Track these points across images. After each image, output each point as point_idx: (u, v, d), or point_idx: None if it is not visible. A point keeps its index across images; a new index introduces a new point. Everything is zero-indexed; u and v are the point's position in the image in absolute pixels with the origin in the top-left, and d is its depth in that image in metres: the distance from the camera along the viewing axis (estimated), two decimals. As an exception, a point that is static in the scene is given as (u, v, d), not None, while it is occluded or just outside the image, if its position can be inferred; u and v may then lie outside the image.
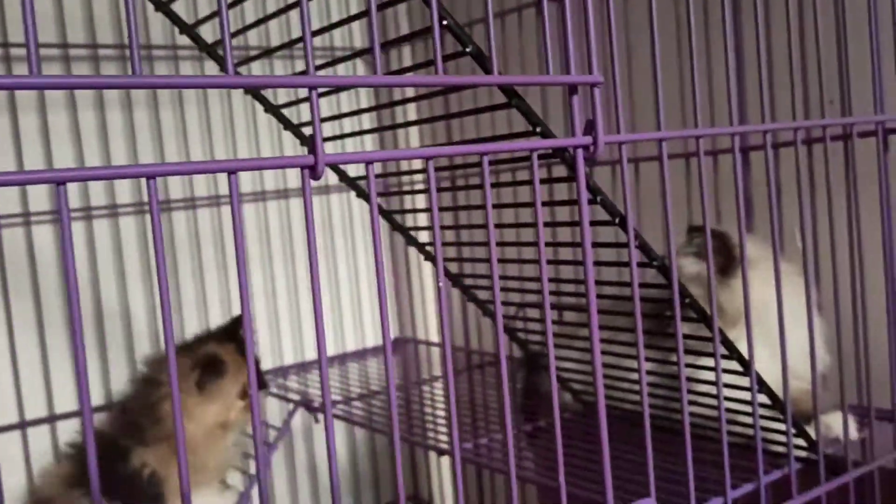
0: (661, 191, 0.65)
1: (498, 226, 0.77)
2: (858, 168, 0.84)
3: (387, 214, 0.90)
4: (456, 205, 0.95)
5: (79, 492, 0.96)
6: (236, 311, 1.47)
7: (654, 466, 0.84)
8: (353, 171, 0.90)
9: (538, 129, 0.60)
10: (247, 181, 1.55)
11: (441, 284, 0.54)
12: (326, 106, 1.45)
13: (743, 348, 0.86)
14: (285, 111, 0.83)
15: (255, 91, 0.82)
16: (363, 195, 0.89)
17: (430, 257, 0.98)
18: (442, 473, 1.70)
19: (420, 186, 1.40)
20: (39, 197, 1.34)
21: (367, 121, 1.63)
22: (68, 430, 1.31)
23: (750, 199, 1.08)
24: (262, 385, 1.14)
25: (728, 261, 0.90)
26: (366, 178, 0.89)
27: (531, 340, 1.11)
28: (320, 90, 0.53)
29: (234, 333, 1.07)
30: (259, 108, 0.87)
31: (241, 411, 1.04)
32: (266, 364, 1.52)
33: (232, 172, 0.45)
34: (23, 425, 1.32)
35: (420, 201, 1.55)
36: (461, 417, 1.20)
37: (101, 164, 1.38)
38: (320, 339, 0.49)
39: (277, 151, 1.56)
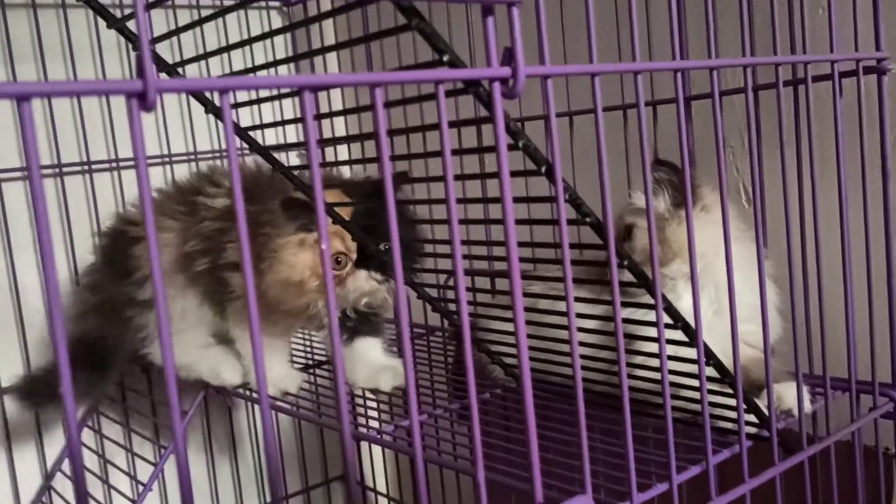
0: (595, 136, 0.55)
1: (412, 180, 0.67)
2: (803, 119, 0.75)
3: (283, 168, 0.78)
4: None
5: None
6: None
7: (594, 448, 0.75)
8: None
9: (445, 58, 0.49)
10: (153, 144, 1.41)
11: (324, 247, 0.44)
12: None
13: (685, 289, 0.79)
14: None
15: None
16: (248, 141, 0.77)
17: (336, 219, 0.87)
18: (373, 452, 1.61)
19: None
20: None
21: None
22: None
23: (692, 151, 0.99)
24: (375, 266, 0.89)
25: (685, 196, 0.82)
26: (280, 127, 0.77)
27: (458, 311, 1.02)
28: None
29: (370, 195, 0.88)
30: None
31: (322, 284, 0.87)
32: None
33: (23, 99, 0.34)
34: None
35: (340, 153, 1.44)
36: (390, 396, 1.11)
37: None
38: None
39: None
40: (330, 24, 1.47)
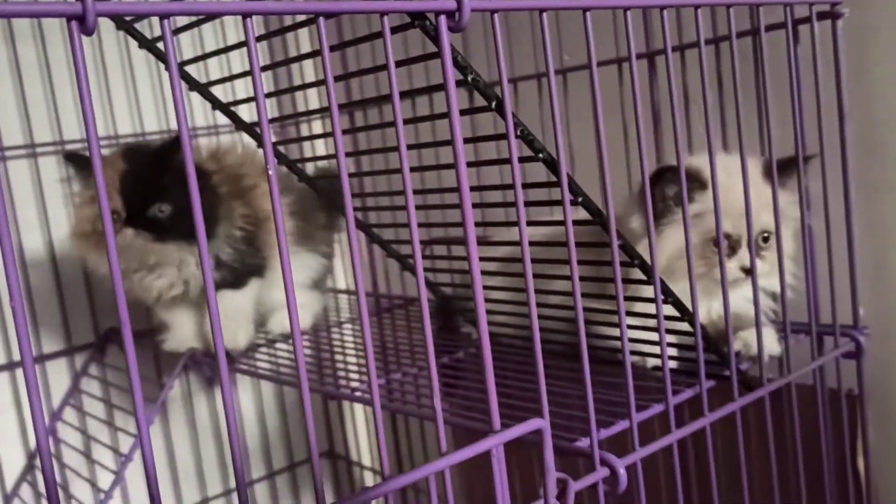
0: (550, 85, 0.56)
1: (370, 128, 0.68)
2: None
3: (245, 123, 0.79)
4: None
5: None
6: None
7: (556, 393, 0.76)
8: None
9: (391, -8, 0.50)
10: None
11: (271, 172, 0.45)
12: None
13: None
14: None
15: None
16: (225, 111, 0.78)
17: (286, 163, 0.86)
18: (356, 425, 1.62)
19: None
20: None
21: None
22: None
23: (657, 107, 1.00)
24: None
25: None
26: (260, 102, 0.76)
27: (438, 278, 1.03)
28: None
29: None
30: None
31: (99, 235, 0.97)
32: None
33: (-37, 17, 0.35)
34: None
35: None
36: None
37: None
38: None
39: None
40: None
